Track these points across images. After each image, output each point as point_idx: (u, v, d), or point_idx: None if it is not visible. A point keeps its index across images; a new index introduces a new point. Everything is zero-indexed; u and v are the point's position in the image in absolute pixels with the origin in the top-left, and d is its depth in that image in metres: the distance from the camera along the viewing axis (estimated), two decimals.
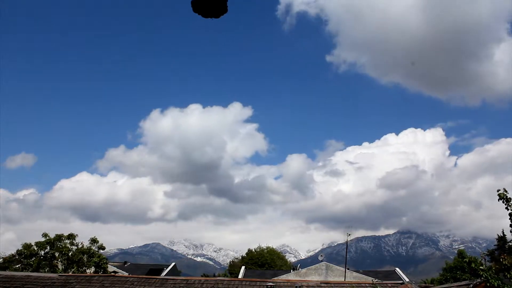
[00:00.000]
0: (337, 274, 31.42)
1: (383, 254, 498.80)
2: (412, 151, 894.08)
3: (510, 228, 8.25)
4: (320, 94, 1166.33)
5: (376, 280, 16.15)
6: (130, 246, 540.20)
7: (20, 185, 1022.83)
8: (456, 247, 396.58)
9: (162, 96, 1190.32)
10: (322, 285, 16.58)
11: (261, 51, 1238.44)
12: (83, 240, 27.85)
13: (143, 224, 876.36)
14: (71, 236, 27.23)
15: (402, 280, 30.86)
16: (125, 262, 45.50)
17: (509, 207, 8.26)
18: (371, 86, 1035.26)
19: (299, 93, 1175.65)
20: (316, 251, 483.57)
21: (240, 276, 39.26)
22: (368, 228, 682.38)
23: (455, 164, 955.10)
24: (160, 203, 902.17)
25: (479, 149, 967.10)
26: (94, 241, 27.69)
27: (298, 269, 36.19)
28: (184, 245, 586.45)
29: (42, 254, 26.59)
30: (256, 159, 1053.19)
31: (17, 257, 26.74)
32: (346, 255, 32.45)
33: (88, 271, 25.99)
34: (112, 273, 22.43)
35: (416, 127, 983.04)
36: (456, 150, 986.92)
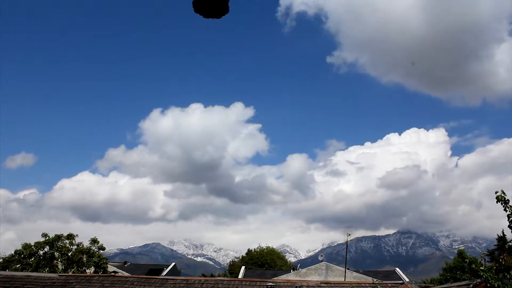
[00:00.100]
0: (337, 274, 31.41)
1: (383, 254, 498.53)
2: (414, 151, 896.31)
3: (510, 230, 8.26)
4: (321, 94, 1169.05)
5: (377, 280, 16.13)
6: (130, 246, 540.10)
7: (21, 185, 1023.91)
8: (456, 247, 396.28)
9: (163, 96, 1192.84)
10: (322, 285, 16.57)
11: (262, 51, 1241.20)
12: (83, 240, 27.86)
13: (143, 224, 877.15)
14: (71, 236, 27.19)
15: (402, 280, 30.85)
16: (125, 262, 45.48)
17: (507, 209, 8.28)
18: (372, 86, 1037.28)
19: (299, 93, 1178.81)
20: (316, 251, 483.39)
21: (240, 276, 39.24)
22: (368, 228, 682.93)
23: (456, 165, 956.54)
24: (161, 203, 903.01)
25: (480, 149, 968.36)
26: (94, 241, 27.66)
27: (298, 269, 36.18)
28: (184, 245, 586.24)
29: (41, 254, 26.55)
30: (257, 159, 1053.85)
31: (16, 257, 26.70)
32: (346, 255, 32.45)
33: (88, 271, 25.97)
34: (112, 273, 22.42)
35: (419, 127, 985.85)
36: (458, 150, 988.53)
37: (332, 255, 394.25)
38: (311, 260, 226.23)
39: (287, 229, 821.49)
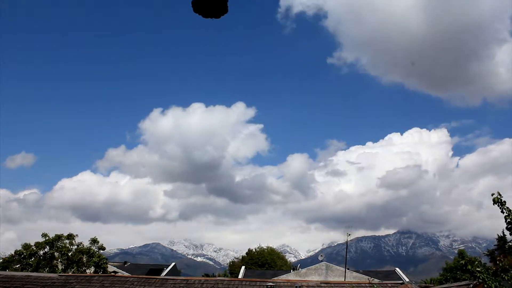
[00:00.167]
0: (337, 274, 31.41)
1: (383, 254, 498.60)
2: (415, 151, 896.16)
3: (509, 232, 8.26)
4: (321, 94, 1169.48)
5: (373, 279, 16.10)
6: (130, 246, 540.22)
7: (21, 185, 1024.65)
8: (456, 247, 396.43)
9: (164, 96, 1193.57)
10: (322, 285, 16.57)
11: (263, 51, 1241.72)
12: (83, 240, 27.85)
13: (143, 224, 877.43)
14: (71, 236, 27.19)
15: (402, 280, 30.85)
16: (125, 262, 45.48)
17: (504, 210, 8.29)
18: (372, 86, 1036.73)
19: (300, 93, 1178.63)
20: (316, 251, 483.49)
21: (240, 276, 39.25)
22: (368, 228, 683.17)
23: (457, 165, 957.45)
24: (161, 203, 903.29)
25: (482, 149, 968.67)
26: (94, 241, 27.66)
27: (298, 269, 36.18)
28: (184, 245, 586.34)
29: (41, 254, 26.55)
30: (258, 159, 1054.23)
31: (16, 257, 26.70)
32: (346, 255, 32.46)
33: (88, 271, 25.96)
34: (112, 273, 22.41)
35: (421, 127, 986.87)
36: (459, 150, 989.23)
37: (332, 255, 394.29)
38: (311, 260, 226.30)
39: (287, 229, 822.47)
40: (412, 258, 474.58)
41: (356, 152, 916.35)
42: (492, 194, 8.46)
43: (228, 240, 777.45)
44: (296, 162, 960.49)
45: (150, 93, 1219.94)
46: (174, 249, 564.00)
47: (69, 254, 26.55)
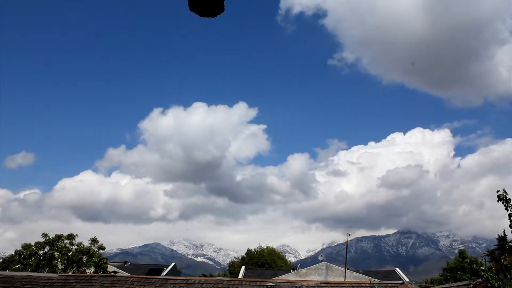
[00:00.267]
0: (337, 274, 31.40)
1: (383, 254, 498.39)
2: (417, 151, 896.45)
3: (511, 229, 8.22)
4: (322, 94, 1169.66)
5: (373, 279, 16.10)
6: (130, 246, 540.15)
7: (22, 185, 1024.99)
8: (456, 247, 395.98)
9: (164, 95, 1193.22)
10: (322, 285, 16.56)
11: (263, 51, 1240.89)
12: (83, 240, 27.86)
13: (144, 224, 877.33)
14: (71, 236, 27.19)
15: (402, 280, 30.84)
16: (125, 262, 45.49)
17: (508, 208, 8.23)
18: (373, 85, 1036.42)
19: (301, 93, 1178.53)
20: (316, 251, 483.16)
21: (240, 276, 39.23)
22: (369, 228, 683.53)
23: (459, 165, 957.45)
24: (161, 203, 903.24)
25: (483, 149, 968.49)
26: (94, 241, 27.67)
27: (298, 269, 36.18)
28: (184, 245, 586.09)
29: (41, 254, 26.54)
30: (259, 159, 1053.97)
31: (16, 257, 26.70)
32: (346, 255, 32.45)
33: (88, 271, 25.96)
34: (112, 273, 22.41)
35: (424, 127, 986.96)
36: (461, 150, 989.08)
37: (332, 255, 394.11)
38: (311, 260, 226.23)
39: (288, 229, 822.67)
40: (412, 258, 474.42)
41: (357, 152, 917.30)
42: (498, 191, 8.39)
43: (228, 240, 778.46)
44: (297, 162, 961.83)
45: (150, 93, 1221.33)
46: (174, 249, 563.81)
47: (69, 254, 26.55)
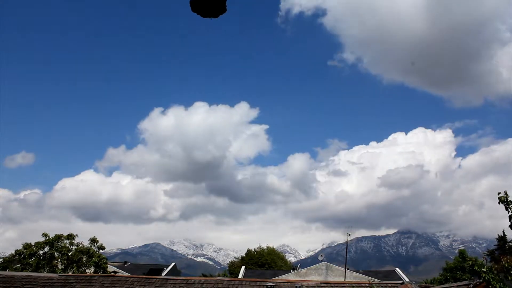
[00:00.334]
0: (337, 274, 31.40)
1: (383, 254, 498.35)
2: (418, 151, 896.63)
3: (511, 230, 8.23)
4: (323, 94, 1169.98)
5: (373, 279, 16.10)
6: (130, 246, 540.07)
7: (22, 185, 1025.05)
8: (456, 247, 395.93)
9: (165, 95, 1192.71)
10: (322, 285, 16.55)
11: (264, 51, 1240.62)
12: (83, 240, 27.85)
13: (144, 224, 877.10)
14: (71, 236, 27.19)
15: (402, 280, 30.83)
16: (125, 262, 45.50)
17: (509, 210, 8.24)
18: (374, 85, 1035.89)
19: (302, 93, 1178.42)
20: (316, 251, 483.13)
21: (240, 276, 39.23)
22: (369, 228, 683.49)
23: (459, 165, 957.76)
24: (162, 203, 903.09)
25: (484, 149, 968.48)
26: (94, 241, 27.67)
27: (298, 269, 36.18)
28: (184, 245, 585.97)
29: (41, 254, 26.53)
30: (259, 159, 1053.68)
31: (16, 257, 26.69)
32: (346, 255, 32.45)
33: (88, 271, 25.95)
34: (112, 273, 22.40)
35: (426, 128, 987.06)
36: (462, 150, 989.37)
37: (332, 255, 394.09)
38: (311, 260, 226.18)
39: (289, 229, 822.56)
40: (412, 258, 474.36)
41: (358, 152, 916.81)
42: (499, 193, 8.38)
43: (228, 240, 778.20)
44: (298, 162, 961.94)
45: (150, 93, 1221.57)
46: (174, 249, 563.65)
47: (69, 254, 26.54)
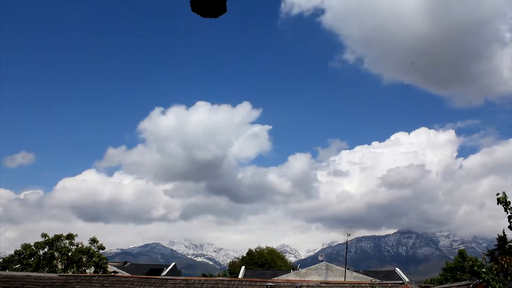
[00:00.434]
0: (337, 274, 31.40)
1: (383, 254, 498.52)
2: (421, 151, 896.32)
3: (511, 231, 8.24)
4: (323, 93, 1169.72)
5: (374, 280, 16.12)
6: (130, 246, 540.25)
7: (23, 185, 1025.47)
8: (456, 247, 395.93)
9: (165, 95, 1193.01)
10: (322, 285, 16.56)
11: (265, 51, 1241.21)
12: (83, 240, 27.85)
13: (144, 224, 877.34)
14: (70, 236, 27.19)
15: (402, 280, 30.83)
16: (125, 262, 45.50)
17: (508, 210, 8.26)
18: (375, 85, 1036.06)
19: (302, 93, 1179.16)
20: (316, 251, 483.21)
21: (240, 276, 39.24)
22: (369, 228, 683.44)
23: (461, 166, 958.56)
24: (163, 203, 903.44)
25: (486, 150, 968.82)
26: (93, 241, 27.67)
27: (298, 269, 36.18)
28: (184, 245, 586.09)
29: (41, 254, 26.54)
30: (260, 159, 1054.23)
31: (16, 257, 26.70)
32: (346, 255, 32.46)
33: (88, 271, 25.96)
34: (112, 273, 22.41)
35: (429, 128, 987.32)
36: (464, 150, 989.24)
37: (332, 255, 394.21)
38: (311, 260, 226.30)
39: (289, 229, 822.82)
40: (412, 258, 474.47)
41: (360, 152, 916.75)
42: (497, 194, 8.39)
43: (229, 240, 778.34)
44: (298, 161, 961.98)
45: (150, 93, 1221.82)
46: (174, 249, 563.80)
47: (69, 254, 26.55)
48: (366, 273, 36.77)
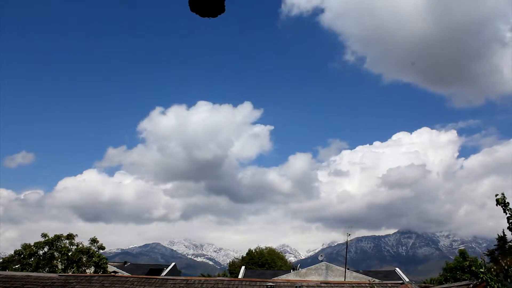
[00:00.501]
0: (337, 274, 31.40)
1: (383, 254, 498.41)
2: (422, 151, 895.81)
3: (511, 232, 8.24)
4: (323, 93, 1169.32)
5: (374, 280, 16.12)
6: (130, 246, 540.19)
7: (23, 185, 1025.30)
8: (456, 247, 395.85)
9: (165, 95, 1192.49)
10: (322, 285, 16.56)
11: (265, 51, 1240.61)
12: (83, 240, 27.85)
13: (144, 224, 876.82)
14: (70, 236, 27.19)
15: (402, 280, 30.83)
16: (125, 262, 45.49)
17: (507, 211, 8.26)
18: (375, 85, 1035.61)
19: (302, 93, 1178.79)
20: (316, 251, 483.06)
21: (240, 276, 39.24)
22: (370, 228, 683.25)
23: (462, 166, 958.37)
24: (162, 203, 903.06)
25: (487, 150, 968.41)
26: (94, 241, 27.67)
27: (298, 269, 36.19)
28: (184, 245, 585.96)
29: (41, 254, 26.53)
30: (261, 159, 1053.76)
31: (16, 257, 26.69)
32: (346, 255, 32.45)
33: (88, 271, 25.96)
34: (112, 273, 22.41)
35: (431, 128, 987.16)
36: (465, 150, 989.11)
37: (332, 255, 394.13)
38: (311, 260, 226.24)
39: (289, 229, 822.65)
40: (412, 258, 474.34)
41: (361, 152, 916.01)
42: (496, 195, 8.40)
43: (229, 240, 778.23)
44: (299, 161, 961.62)
45: (151, 93, 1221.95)
46: (174, 249, 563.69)
47: (69, 254, 26.54)
48: (366, 273, 36.76)
